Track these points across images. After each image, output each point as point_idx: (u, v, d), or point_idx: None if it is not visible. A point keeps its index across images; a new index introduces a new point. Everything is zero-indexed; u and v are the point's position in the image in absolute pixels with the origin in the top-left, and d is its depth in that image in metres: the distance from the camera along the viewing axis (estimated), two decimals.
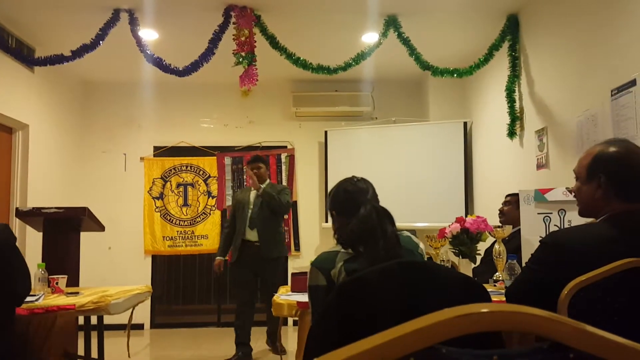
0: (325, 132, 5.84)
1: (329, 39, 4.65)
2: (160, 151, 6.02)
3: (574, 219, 2.62)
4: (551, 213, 2.79)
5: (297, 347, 2.76)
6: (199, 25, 4.19)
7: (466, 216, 3.22)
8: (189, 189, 6.03)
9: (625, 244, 1.44)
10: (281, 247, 4.49)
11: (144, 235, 5.90)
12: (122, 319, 3.27)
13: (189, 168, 6.05)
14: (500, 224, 3.06)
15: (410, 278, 1.16)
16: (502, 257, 2.75)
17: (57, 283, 2.89)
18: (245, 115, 6.08)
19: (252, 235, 4.31)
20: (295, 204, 5.88)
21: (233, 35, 4.02)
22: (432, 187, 5.37)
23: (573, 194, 1.69)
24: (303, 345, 1.92)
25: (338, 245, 1.70)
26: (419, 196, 5.34)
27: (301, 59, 4.27)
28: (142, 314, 5.53)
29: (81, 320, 3.28)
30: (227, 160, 6.03)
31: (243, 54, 3.99)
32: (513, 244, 3.02)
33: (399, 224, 1.68)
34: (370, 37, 4.56)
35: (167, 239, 5.93)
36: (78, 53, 4.09)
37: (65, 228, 3.52)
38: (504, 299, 1.78)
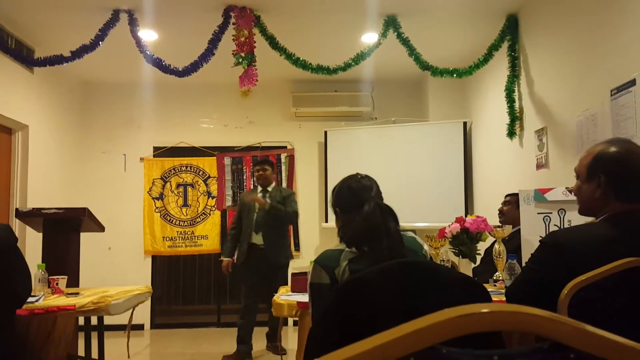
0: (325, 133, 5.84)
1: (328, 39, 4.65)
2: (160, 151, 6.02)
3: (574, 218, 2.62)
4: (551, 213, 2.79)
5: (297, 347, 2.76)
6: (198, 26, 4.19)
7: (466, 216, 3.22)
8: (189, 189, 6.03)
9: (625, 244, 1.44)
10: (287, 252, 4.54)
11: (144, 236, 5.90)
12: (122, 319, 3.27)
13: (188, 168, 6.05)
14: (500, 224, 3.07)
15: (410, 278, 1.16)
16: (502, 257, 2.75)
17: (57, 284, 2.89)
18: (245, 116, 6.08)
19: (257, 239, 4.35)
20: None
21: (233, 35, 4.02)
22: (432, 187, 5.37)
23: (573, 192, 1.70)
24: (303, 345, 1.92)
25: (342, 243, 1.67)
26: (419, 196, 5.33)
27: (301, 59, 4.27)
28: (142, 314, 5.54)
29: (81, 320, 3.29)
30: (227, 161, 6.03)
31: (243, 54, 3.99)
32: (513, 243, 3.02)
33: None
34: (369, 37, 4.56)
35: (167, 239, 5.93)
36: (78, 53, 4.09)
37: (65, 228, 3.52)
38: (504, 299, 1.78)
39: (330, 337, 1.11)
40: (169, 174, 6.01)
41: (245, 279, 4.41)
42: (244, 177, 5.98)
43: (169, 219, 5.96)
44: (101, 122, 5.99)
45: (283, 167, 5.99)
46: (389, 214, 1.64)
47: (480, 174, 5.22)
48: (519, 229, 2.92)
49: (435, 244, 2.97)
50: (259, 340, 4.60)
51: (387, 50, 4.32)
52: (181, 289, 6.17)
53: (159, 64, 4.18)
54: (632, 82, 2.75)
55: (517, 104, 4.27)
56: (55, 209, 3.45)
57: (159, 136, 6.02)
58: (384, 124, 5.82)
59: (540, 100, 3.90)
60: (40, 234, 3.54)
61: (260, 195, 4.44)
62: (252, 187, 5.86)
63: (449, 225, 3.03)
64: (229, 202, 5.97)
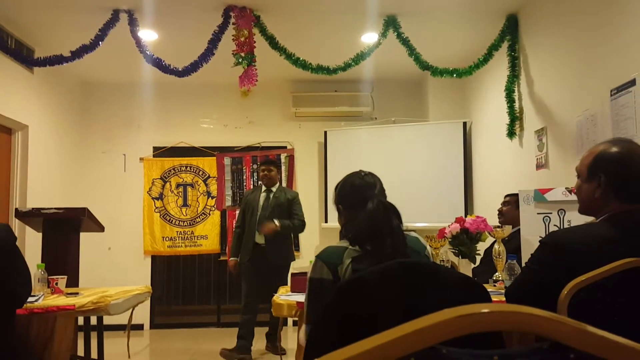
0: (325, 133, 5.84)
1: (328, 39, 4.65)
2: (160, 151, 6.01)
3: (574, 218, 2.62)
4: (551, 213, 2.79)
5: (297, 347, 2.75)
6: (198, 26, 4.20)
7: (466, 216, 3.23)
8: (189, 189, 6.03)
9: (625, 244, 1.44)
10: (289, 253, 4.56)
11: (144, 236, 5.90)
12: (122, 319, 3.27)
13: (188, 168, 6.05)
14: (499, 224, 3.07)
15: (410, 278, 1.16)
16: (502, 257, 2.75)
17: (56, 283, 2.89)
18: (244, 116, 6.08)
19: (260, 239, 4.38)
20: None
21: (232, 35, 4.02)
22: (431, 187, 5.37)
23: (574, 191, 1.70)
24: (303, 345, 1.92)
25: (345, 241, 1.64)
26: (419, 196, 5.33)
27: (301, 59, 4.27)
28: (142, 314, 5.54)
29: (81, 320, 3.29)
30: (227, 161, 6.03)
31: (242, 54, 3.99)
32: (513, 244, 3.02)
33: None
34: (369, 38, 4.56)
35: (167, 239, 5.93)
36: (77, 54, 4.08)
37: (64, 228, 3.52)
38: (504, 299, 1.78)
39: (330, 337, 1.11)
40: (169, 174, 6.01)
41: (248, 277, 4.43)
42: (244, 177, 5.98)
43: (168, 219, 5.96)
44: (101, 122, 5.99)
45: (283, 167, 5.98)
46: (393, 212, 1.62)
47: (480, 174, 5.23)
48: (519, 229, 2.92)
49: (435, 244, 2.97)
50: (258, 340, 4.60)
51: (387, 50, 4.32)
52: (181, 289, 6.17)
53: (158, 64, 4.18)
54: (632, 82, 2.75)
55: (517, 104, 4.27)
56: (55, 209, 3.45)
57: (159, 136, 6.02)
58: (384, 124, 5.82)
59: (540, 100, 3.90)
60: (40, 234, 3.53)
61: (263, 195, 4.50)
62: (252, 186, 5.87)
63: (448, 226, 3.03)
64: (228, 202, 5.97)
